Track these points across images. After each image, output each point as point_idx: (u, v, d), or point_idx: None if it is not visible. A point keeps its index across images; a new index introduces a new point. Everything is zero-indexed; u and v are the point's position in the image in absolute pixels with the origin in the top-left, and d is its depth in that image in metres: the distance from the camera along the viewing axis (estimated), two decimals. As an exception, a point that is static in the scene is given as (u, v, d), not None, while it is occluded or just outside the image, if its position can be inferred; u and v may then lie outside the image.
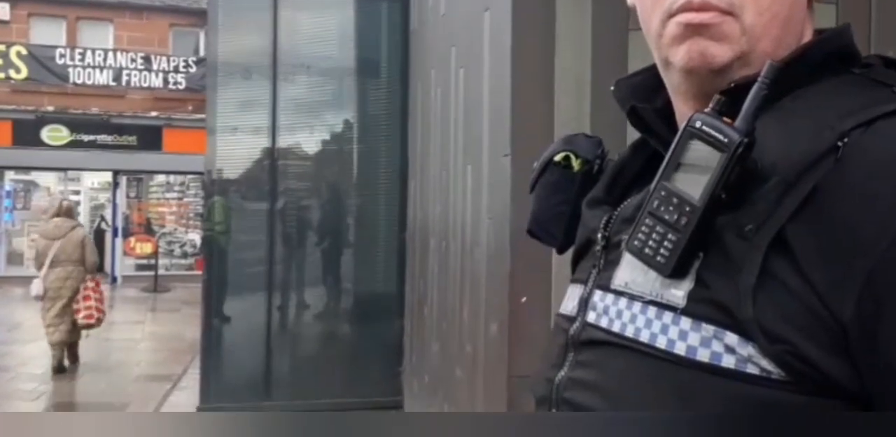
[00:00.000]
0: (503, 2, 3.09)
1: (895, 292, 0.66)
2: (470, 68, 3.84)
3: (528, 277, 2.97)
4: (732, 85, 0.80)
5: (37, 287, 8.07)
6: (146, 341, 10.27)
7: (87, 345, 9.50)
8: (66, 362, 8.30)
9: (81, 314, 8.03)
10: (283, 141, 6.70)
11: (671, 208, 0.76)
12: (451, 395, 4.22)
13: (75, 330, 8.19)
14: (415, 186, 5.84)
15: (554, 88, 2.94)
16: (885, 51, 3.01)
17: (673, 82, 0.89)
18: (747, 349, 0.71)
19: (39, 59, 16.79)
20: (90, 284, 8.22)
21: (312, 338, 6.91)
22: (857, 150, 0.70)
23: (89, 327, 8.20)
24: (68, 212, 8.45)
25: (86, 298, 8.09)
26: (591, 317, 0.86)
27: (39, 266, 8.18)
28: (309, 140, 7.01)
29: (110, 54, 17.31)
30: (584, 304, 0.89)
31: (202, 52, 17.85)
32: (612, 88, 0.96)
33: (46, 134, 16.74)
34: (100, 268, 14.46)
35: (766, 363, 0.70)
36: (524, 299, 3.03)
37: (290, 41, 6.60)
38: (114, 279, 14.22)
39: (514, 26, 2.98)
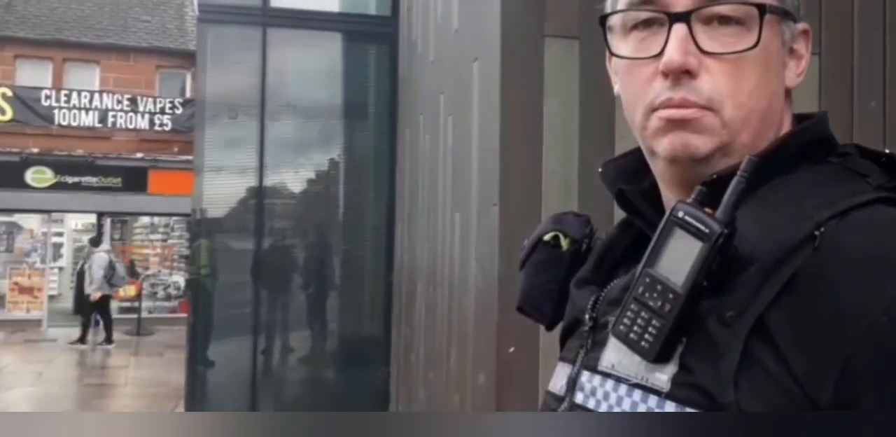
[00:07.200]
0: (492, 52, 3.11)
1: (871, 378, 0.69)
2: (459, 116, 3.85)
3: (516, 327, 2.94)
4: (714, 176, 0.83)
5: None
6: (129, 386, 10.13)
7: (68, 390, 9.42)
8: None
9: None
10: (270, 180, 6.70)
11: (655, 295, 0.78)
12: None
13: None
14: (402, 229, 5.83)
15: (542, 137, 2.95)
16: (868, 103, 3.06)
17: (658, 170, 0.92)
18: None
19: (24, 100, 16.79)
20: None
21: (297, 383, 6.83)
22: (833, 239, 0.73)
23: None
24: None
25: None
26: (578, 398, 0.88)
27: None
28: (295, 180, 7.01)
29: (96, 96, 17.35)
30: (573, 384, 0.90)
31: (188, 94, 17.93)
32: (599, 169, 0.99)
33: (31, 176, 16.68)
34: (79, 310, 14.40)
35: None
36: (512, 349, 3.01)
37: (278, 81, 6.62)
38: (97, 322, 14.01)
39: (503, 77, 3.00)
